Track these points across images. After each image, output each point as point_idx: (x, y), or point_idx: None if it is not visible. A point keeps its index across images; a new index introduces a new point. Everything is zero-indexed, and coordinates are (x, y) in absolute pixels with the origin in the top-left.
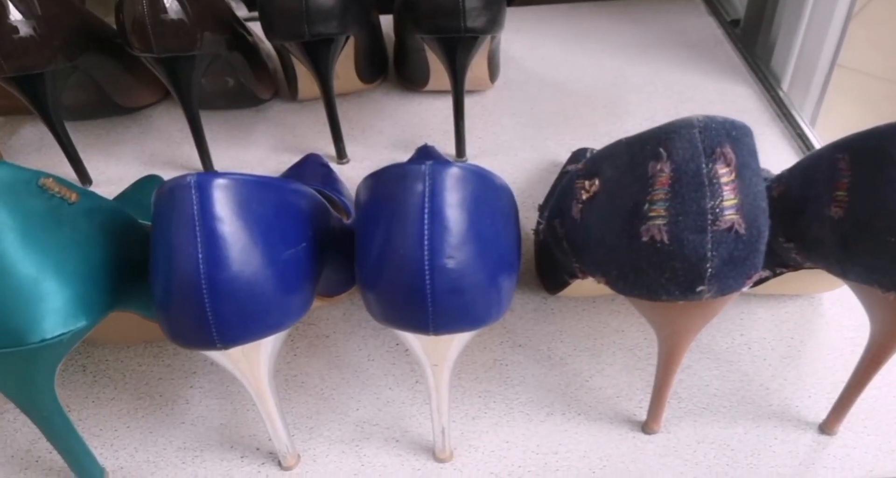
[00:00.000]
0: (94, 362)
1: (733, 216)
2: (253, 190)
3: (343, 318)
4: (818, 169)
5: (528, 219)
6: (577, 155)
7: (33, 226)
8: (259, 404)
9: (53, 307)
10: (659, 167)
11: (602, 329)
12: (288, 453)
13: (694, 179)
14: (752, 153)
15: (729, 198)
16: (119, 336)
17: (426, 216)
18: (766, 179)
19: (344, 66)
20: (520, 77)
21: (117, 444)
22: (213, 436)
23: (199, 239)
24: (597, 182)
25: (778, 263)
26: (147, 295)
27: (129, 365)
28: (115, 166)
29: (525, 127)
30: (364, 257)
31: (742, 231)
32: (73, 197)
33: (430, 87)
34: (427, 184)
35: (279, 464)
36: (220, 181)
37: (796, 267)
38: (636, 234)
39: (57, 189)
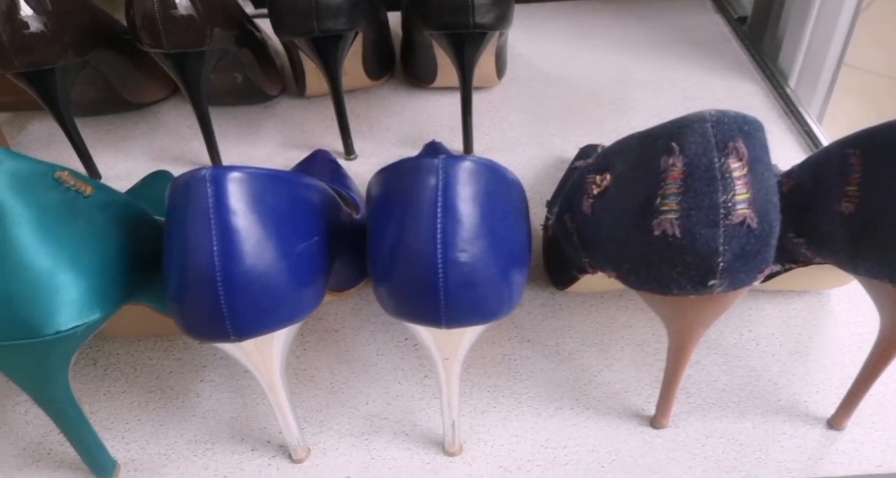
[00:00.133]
0: (105, 356)
1: (745, 211)
2: (267, 184)
3: (352, 312)
4: (829, 164)
5: (536, 215)
6: (585, 151)
7: (49, 218)
8: (271, 397)
9: (68, 299)
10: (671, 161)
11: (610, 325)
12: (298, 446)
13: (706, 173)
14: (764, 148)
15: (741, 192)
16: (130, 330)
17: (439, 210)
18: (775, 175)
19: (352, 63)
20: (526, 74)
21: (128, 437)
22: (223, 429)
23: (213, 232)
24: (608, 177)
25: (788, 259)
26: (160, 288)
27: (140, 359)
28: (125, 162)
29: (532, 123)
30: (377, 251)
31: (754, 225)
32: (88, 190)
33: (437, 83)
34: (440, 177)
35: (289, 457)
36: (234, 175)
37: (806, 262)
38: (648, 228)
39: (72, 182)
